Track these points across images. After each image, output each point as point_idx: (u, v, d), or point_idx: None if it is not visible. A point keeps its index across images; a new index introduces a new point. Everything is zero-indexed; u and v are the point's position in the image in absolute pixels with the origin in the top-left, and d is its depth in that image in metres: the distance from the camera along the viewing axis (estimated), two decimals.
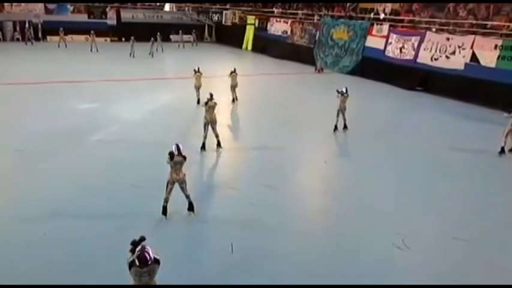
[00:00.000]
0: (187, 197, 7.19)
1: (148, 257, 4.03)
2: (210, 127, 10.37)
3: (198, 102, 14.89)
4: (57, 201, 7.49)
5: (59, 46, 28.24)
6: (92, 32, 28.26)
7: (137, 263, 4.02)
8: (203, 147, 10.44)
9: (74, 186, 8.12)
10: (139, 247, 4.11)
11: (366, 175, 9.57)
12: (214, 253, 6.30)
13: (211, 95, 10.44)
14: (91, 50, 27.05)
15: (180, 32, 33.40)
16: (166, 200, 7.06)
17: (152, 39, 27.93)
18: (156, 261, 4.15)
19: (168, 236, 6.70)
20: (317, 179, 9.65)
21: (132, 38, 26.12)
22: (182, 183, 7.06)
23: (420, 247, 6.66)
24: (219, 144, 10.62)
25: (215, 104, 10.40)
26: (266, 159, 10.23)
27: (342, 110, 12.23)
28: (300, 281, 5.70)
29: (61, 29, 29.10)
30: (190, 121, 12.96)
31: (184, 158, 6.97)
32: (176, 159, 6.86)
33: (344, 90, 12.02)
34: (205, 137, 10.40)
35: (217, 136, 10.54)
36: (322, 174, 9.85)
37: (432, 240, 6.97)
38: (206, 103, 10.30)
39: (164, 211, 7.08)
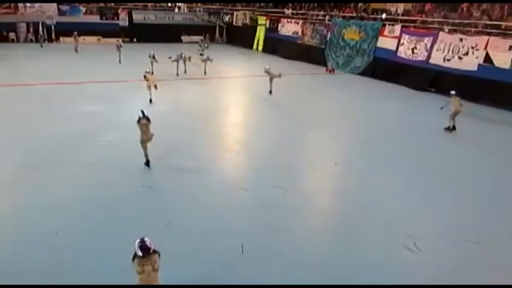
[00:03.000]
0: (146, 156, 8.77)
1: (148, 245, 4.33)
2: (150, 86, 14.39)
3: None
4: (63, 203, 7.55)
5: (76, 51, 27.68)
6: (119, 42, 25.42)
7: (139, 252, 4.30)
8: (150, 101, 14.61)
9: (82, 186, 8.18)
10: (138, 240, 4.37)
11: (375, 176, 9.48)
12: (221, 253, 6.28)
13: (147, 72, 14.97)
14: (119, 62, 23.92)
15: (200, 37, 32.91)
16: (146, 155, 8.82)
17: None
18: (156, 251, 4.41)
19: (175, 234, 6.69)
20: (325, 180, 9.58)
21: (183, 54, 20.95)
22: (148, 143, 8.70)
23: (429, 248, 6.59)
24: (150, 100, 14.57)
25: (151, 75, 15.05)
26: (276, 160, 10.19)
27: (271, 79, 17.19)
28: (306, 281, 5.68)
29: (75, 33, 29.00)
30: (203, 122, 13.03)
31: (148, 120, 8.56)
32: (142, 121, 8.53)
33: (267, 67, 17.38)
34: (150, 94, 14.64)
35: (150, 89, 14.51)
36: (330, 175, 9.77)
37: (441, 242, 6.89)
38: (145, 75, 14.69)
39: (147, 163, 8.86)
